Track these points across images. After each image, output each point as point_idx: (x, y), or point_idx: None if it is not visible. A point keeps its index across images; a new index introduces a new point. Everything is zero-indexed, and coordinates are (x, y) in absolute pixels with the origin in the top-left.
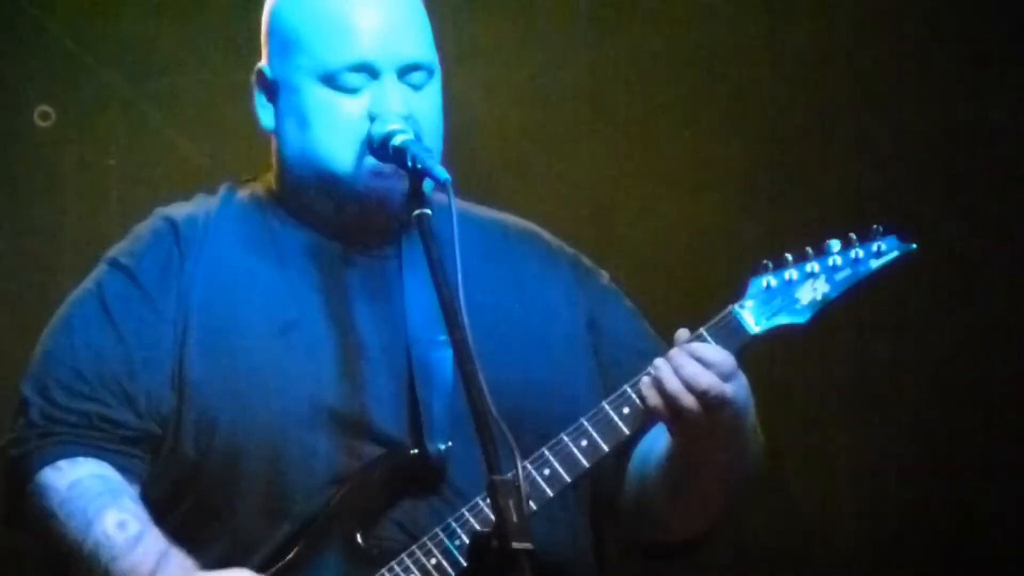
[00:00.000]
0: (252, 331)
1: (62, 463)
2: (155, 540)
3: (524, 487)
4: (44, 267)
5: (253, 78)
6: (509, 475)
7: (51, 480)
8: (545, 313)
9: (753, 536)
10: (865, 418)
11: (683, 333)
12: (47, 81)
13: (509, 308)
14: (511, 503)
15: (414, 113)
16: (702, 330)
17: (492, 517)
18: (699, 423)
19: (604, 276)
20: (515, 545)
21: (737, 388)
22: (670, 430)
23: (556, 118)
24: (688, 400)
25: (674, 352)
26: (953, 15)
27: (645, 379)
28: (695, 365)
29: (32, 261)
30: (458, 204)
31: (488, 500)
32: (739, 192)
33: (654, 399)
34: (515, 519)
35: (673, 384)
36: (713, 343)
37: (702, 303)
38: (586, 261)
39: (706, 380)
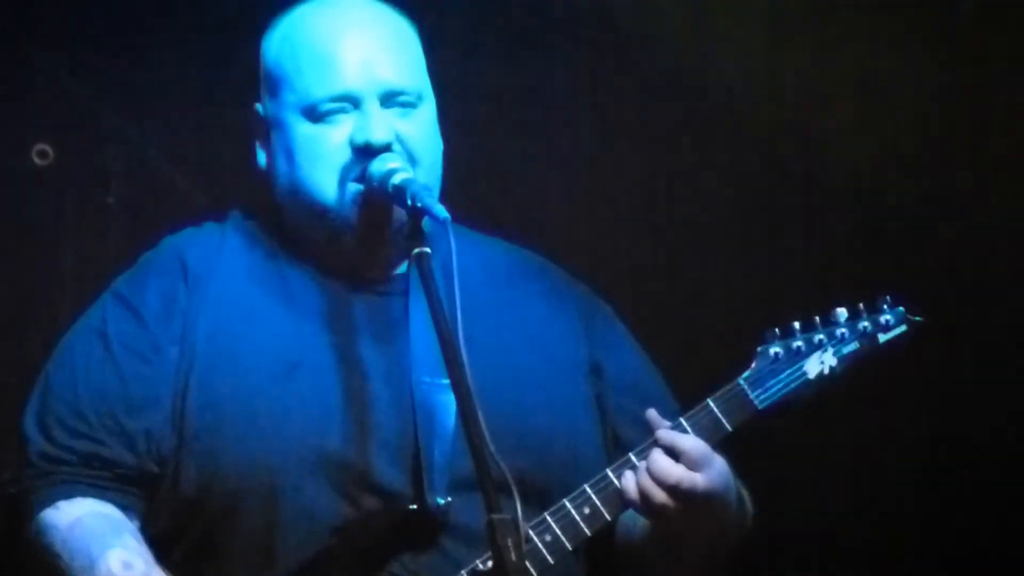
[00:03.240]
0: (256, 372)
1: (62, 503)
2: None
3: (523, 526)
4: (43, 304)
5: (250, 118)
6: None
7: (52, 519)
8: (547, 352)
9: (753, 536)
10: (865, 417)
11: (652, 415)
12: (45, 119)
13: (510, 346)
14: (510, 542)
15: (402, 137)
16: (709, 400)
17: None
18: (674, 515)
19: (610, 312)
20: None
21: (710, 476)
22: (647, 518)
23: (554, 123)
24: (660, 496)
25: (649, 447)
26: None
27: (627, 473)
28: (665, 460)
29: (31, 299)
30: (465, 234)
31: (485, 561)
32: (738, 200)
33: (630, 494)
34: (513, 558)
35: (645, 481)
36: (690, 431)
37: (702, 316)
38: (593, 298)
39: (676, 475)
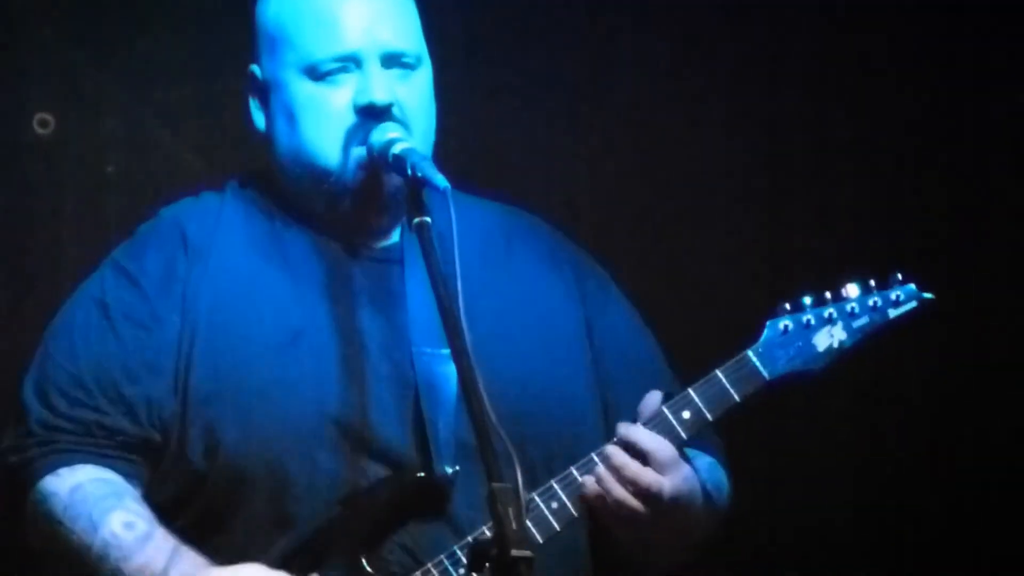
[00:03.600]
0: (260, 341)
1: (63, 470)
2: (164, 538)
3: (523, 495)
4: (43, 273)
5: (246, 80)
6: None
7: (53, 486)
8: (545, 316)
9: (752, 536)
10: (865, 417)
11: (655, 396)
12: (46, 88)
13: (509, 312)
14: (510, 511)
15: (400, 101)
16: (718, 371)
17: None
18: (637, 515)
19: (604, 274)
20: (514, 553)
21: (675, 480)
22: (611, 522)
23: (556, 117)
24: (622, 494)
25: (612, 451)
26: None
27: (588, 478)
28: (627, 458)
29: (31, 267)
30: (459, 198)
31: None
32: (739, 190)
33: (593, 493)
34: (514, 526)
35: (618, 491)
36: (699, 402)
37: (703, 300)
38: (587, 259)
39: (640, 474)
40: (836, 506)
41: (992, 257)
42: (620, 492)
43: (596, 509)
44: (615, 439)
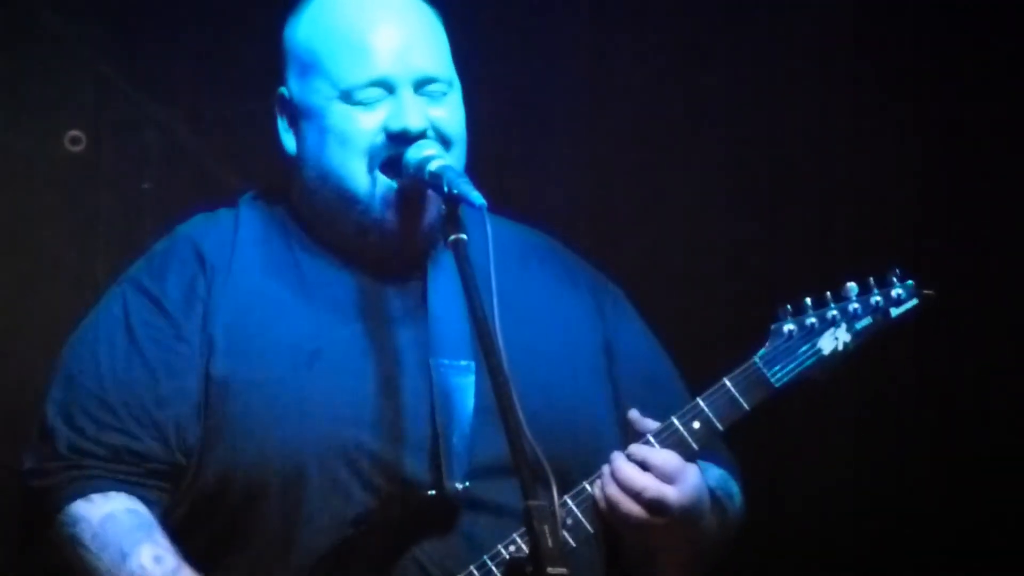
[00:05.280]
0: (275, 362)
1: (95, 496)
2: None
3: (560, 513)
4: (78, 292)
5: (274, 102)
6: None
7: (83, 512)
8: (564, 335)
9: (752, 536)
10: (865, 417)
11: (634, 415)
12: (78, 106)
13: (527, 330)
14: (546, 528)
15: (435, 124)
16: (726, 379)
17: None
18: (643, 526)
19: (619, 293)
20: (550, 570)
21: (683, 489)
22: (618, 530)
23: (556, 117)
24: (627, 504)
25: (614, 456)
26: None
27: (597, 491)
28: (632, 468)
29: (65, 286)
30: (474, 214)
31: (507, 546)
32: (741, 195)
33: (601, 504)
34: (550, 544)
35: (612, 490)
36: (709, 412)
37: (704, 305)
38: (603, 279)
39: (641, 482)
40: (835, 510)
41: (994, 258)
42: (627, 503)
43: (608, 521)
44: (624, 453)
